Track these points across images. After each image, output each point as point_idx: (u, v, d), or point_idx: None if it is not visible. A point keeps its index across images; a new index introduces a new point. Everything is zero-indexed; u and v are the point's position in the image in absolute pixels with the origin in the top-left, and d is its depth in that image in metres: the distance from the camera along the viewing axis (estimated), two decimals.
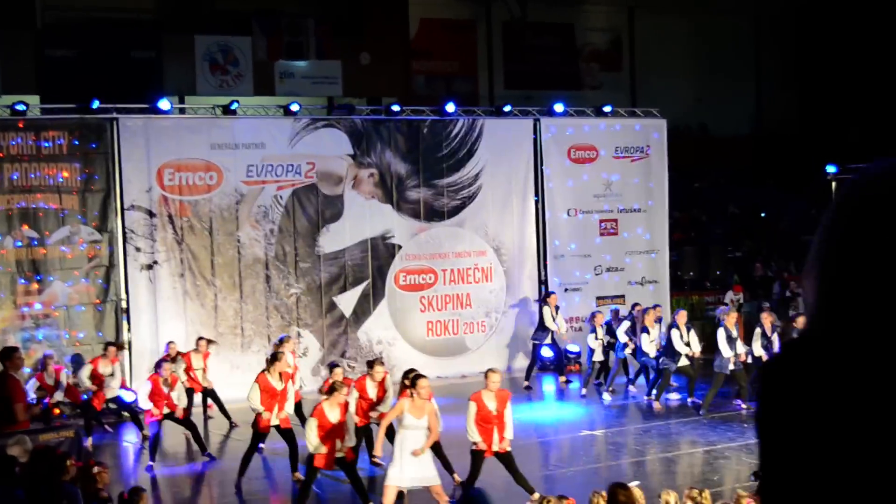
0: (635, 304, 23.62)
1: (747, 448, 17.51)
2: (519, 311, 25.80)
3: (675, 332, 20.95)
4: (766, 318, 21.23)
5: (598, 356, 22.79)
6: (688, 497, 10.98)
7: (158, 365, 18.12)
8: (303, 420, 17.72)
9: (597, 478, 15.20)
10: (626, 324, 22.78)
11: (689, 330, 21.27)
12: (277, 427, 16.10)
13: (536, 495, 12.65)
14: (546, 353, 24.27)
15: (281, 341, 19.16)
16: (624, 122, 27.50)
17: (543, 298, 24.48)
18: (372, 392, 16.47)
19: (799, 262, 33.18)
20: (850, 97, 38.72)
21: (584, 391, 22.87)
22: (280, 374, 16.21)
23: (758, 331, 21.07)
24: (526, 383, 23.54)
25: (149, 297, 22.11)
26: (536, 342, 23.93)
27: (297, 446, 15.92)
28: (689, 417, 20.10)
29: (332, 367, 17.45)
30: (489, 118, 26.09)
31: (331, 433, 13.99)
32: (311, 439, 13.99)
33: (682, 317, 21.56)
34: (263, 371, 16.32)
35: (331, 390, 14.49)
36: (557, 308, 23.98)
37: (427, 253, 24.87)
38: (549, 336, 23.83)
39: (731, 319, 20.67)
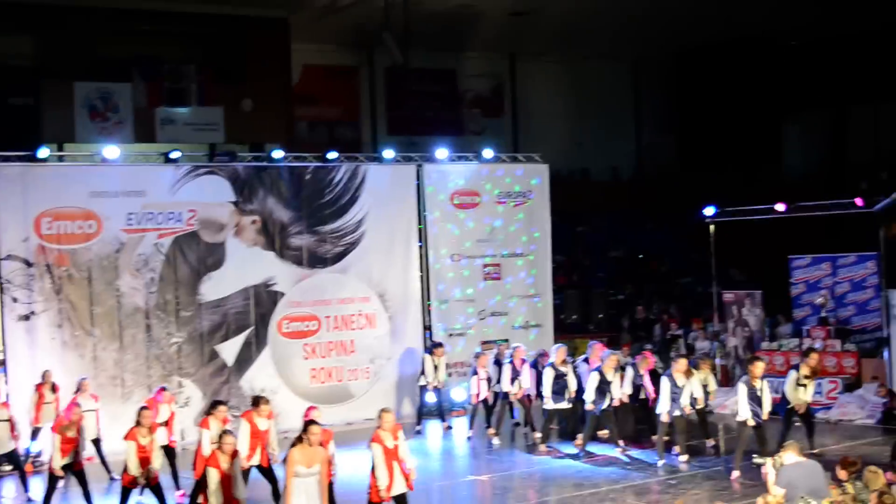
0: (516, 347, 23.59)
1: (633, 489, 17.67)
2: (403, 356, 25.77)
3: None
4: (642, 361, 21.53)
5: (482, 396, 22.86)
6: None
7: (69, 409, 17.39)
8: (175, 470, 17.74)
9: None
10: (507, 368, 22.74)
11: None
12: (259, 467, 16.27)
13: None
14: (430, 398, 24.26)
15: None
16: (506, 167, 27.73)
17: (430, 349, 24.43)
18: (263, 425, 16.41)
19: (679, 305, 33.70)
20: (727, 140, 39.55)
21: (469, 433, 22.93)
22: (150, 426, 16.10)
23: (630, 372, 21.31)
24: (417, 427, 23.67)
25: (26, 348, 21.63)
26: (423, 386, 23.94)
27: (277, 481, 15.91)
28: (573, 461, 20.19)
29: (215, 404, 17.27)
30: (372, 164, 26.12)
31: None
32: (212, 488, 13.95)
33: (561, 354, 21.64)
34: (249, 412, 16.55)
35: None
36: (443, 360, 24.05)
37: (310, 300, 24.74)
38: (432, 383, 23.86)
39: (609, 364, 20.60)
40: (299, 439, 13.50)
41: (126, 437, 15.85)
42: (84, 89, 32.89)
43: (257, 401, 16.85)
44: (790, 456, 12.94)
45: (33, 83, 32.63)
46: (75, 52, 33.05)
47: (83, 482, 17.01)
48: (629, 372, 21.43)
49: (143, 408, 16.49)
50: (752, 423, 18.23)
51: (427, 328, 26.23)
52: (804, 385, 19.59)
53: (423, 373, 23.89)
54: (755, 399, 18.26)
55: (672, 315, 32.04)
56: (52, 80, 32.83)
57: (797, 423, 19.62)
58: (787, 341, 26.02)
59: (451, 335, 26.19)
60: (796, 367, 19.92)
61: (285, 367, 24.34)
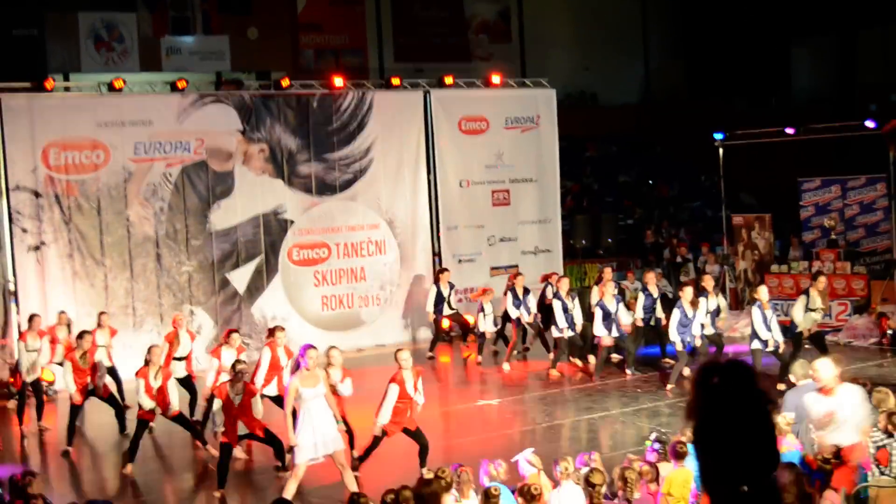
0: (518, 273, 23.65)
1: (637, 413, 17.76)
2: (413, 283, 25.83)
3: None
4: (651, 278, 21.53)
5: (489, 327, 22.95)
6: (584, 464, 11.11)
7: (80, 335, 17.58)
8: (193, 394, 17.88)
9: (492, 447, 15.28)
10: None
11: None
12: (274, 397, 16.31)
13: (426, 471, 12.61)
14: (445, 324, 24.23)
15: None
16: (513, 92, 27.59)
17: (437, 275, 24.42)
18: (283, 356, 16.55)
19: (688, 228, 33.68)
20: (735, 65, 39.27)
21: (479, 359, 23.03)
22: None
23: (642, 297, 21.36)
24: (430, 354, 23.66)
25: (37, 278, 21.73)
26: (437, 315, 23.90)
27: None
28: (584, 385, 20.29)
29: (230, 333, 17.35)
30: (379, 91, 25.99)
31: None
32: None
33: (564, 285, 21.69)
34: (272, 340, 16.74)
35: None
36: (451, 284, 23.98)
37: (320, 227, 24.77)
38: (446, 308, 23.82)
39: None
40: (296, 366, 13.61)
41: (137, 375, 15.90)
42: (88, 19, 32.77)
43: (272, 331, 16.97)
44: (801, 378, 12.99)
45: (37, 14, 32.47)
46: None
47: (115, 406, 17.68)
48: (641, 297, 21.47)
49: (153, 346, 16.56)
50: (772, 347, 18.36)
51: (436, 254, 26.25)
52: (814, 309, 19.52)
53: (438, 298, 23.82)
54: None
55: (681, 239, 32.02)
56: (56, 10, 32.69)
57: (807, 347, 19.59)
58: (796, 264, 26.00)
59: (460, 261, 26.17)
60: (806, 292, 19.81)
61: (296, 295, 24.42)
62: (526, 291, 22.66)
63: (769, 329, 18.45)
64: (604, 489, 10.41)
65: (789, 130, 26.48)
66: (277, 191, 24.33)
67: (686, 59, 42.88)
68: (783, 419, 11.69)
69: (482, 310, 22.95)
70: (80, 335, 17.55)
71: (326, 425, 13.34)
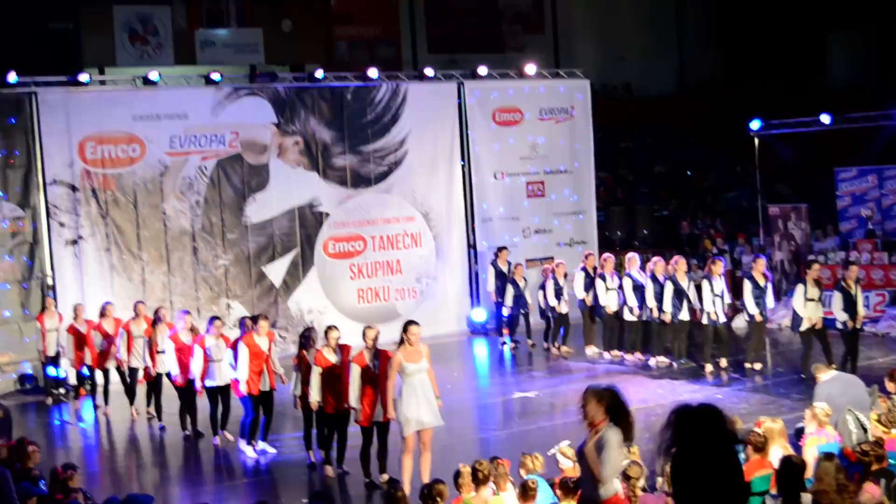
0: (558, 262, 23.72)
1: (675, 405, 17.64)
2: (449, 275, 25.84)
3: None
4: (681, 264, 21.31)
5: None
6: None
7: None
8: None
9: (528, 439, 15.26)
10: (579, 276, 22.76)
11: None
12: (263, 394, 16.16)
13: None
14: (504, 312, 24.07)
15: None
16: (548, 83, 27.51)
17: (496, 254, 24.42)
18: (264, 345, 16.10)
19: (724, 219, 33.54)
20: (771, 53, 39.04)
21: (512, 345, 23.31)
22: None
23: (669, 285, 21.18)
24: (530, 342, 23.73)
25: (75, 272, 21.85)
26: (500, 301, 23.88)
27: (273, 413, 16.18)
28: (624, 375, 20.22)
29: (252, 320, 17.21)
30: (413, 83, 25.99)
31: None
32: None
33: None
34: (248, 333, 16.23)
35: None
36: (510, 263, 24.04)
37: (355, 220, 24.80)
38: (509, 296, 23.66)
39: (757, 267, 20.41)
40: (401, 342, 13.54)
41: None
42: (123, 13, 32.91)
43: (256, 318, 16.60)
44: (825, 373, 13.18)
45: (73, 7, 32.63)
46: None
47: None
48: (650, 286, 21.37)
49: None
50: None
51: (471, 246, 26.24)
52: (812, 300, 19.12)
53: (501, 284, 23.84)
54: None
55: (717, 230, 31.89)
56: (91, 4, 32.82)
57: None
58: (833, 254, 25.83)
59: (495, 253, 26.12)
60: (839, 286, 19.32)
61: (332, 288, 24.47)
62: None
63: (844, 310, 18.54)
64: (641, 482, 10.38)
65: (825, 120, 26.31)
66: (312, 183, 24.37)
67: (721, 48, 42.66)
68: (822, 410, 11.64)
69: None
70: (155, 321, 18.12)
71: (429, 399, 13.42)
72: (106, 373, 19.21)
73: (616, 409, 8.67)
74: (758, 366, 19.83)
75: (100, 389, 19.48)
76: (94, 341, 19.10)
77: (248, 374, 15.80)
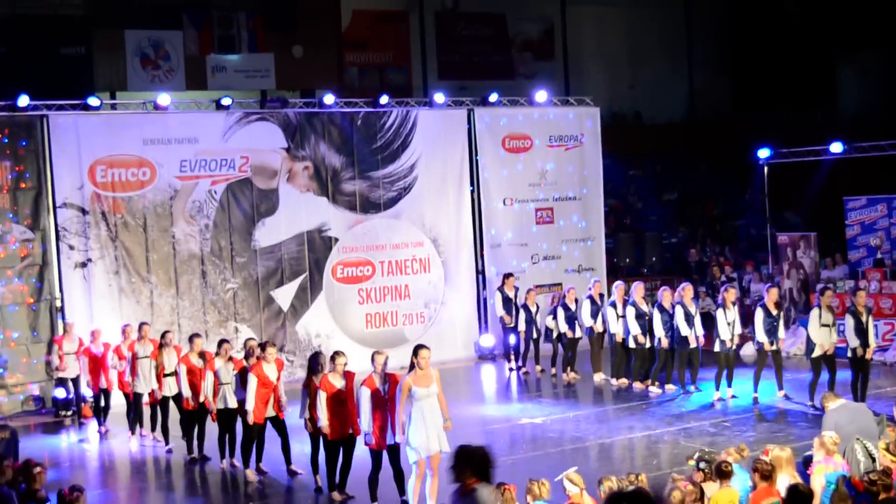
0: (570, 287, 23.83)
1: (685, 432, 17.65)
2: (457, 301, 25.85)
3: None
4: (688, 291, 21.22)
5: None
6: (627, 482, 11.05)
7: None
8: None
9: (535, 465, 15.24)
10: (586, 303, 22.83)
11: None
12: (272, 419, 16.04)
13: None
14: (510, 339, 24.20)
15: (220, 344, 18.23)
16: (557, 110, 27.57)
17: (503, 280, 24.50)
18: (272, 373, 15.90)
19: (733, 247, 33.51)
20: (781, 81, 39.08)
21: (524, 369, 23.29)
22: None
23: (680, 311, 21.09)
24: (539, 367, 23.78)
25: (83, 295, 21.91)
26: (511, 327, 23.97)
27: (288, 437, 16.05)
28: (628, 403, 20.20)
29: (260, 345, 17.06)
30: (423, 109, 26.06)
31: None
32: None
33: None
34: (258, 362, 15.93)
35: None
36: (517, 289, 24.15)
37: (364, 245, 24.84)
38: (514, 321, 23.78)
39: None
40: (411, 366, 13.53)
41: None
42: (135, 37, 33.06)
43: (263, 345, 16.24)
44: (833, 402, 13.17)
45: (84, 32, 32.79)
46: (125, 0, 33.19)
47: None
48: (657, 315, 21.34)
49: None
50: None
51: (480, 272, 26.26)
52: (826, 325, 19.10)
53: (508, 310, 24.01)
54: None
55: (726, 258, 31.86)
56: (102, 28, 32.98)
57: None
58: (841, 283, 25.78)
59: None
60: (850, 310, 19.36)
61: (340, 312, 24.49)
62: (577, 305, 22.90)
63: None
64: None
65: (835, 149, 26.31)
66: (322, 208, 24.42)
67: (731, 76, 42.71)
68: (830, 439, 11.61)
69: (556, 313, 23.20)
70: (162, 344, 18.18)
71: (437, 424, 13.40)
72: (127, 396, 18.98)
73: (483, 468, 8.61)
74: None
75: (114, 413, 19.51)
76: (111, 363, 19.11)
77: (254, 404, 15.75)
